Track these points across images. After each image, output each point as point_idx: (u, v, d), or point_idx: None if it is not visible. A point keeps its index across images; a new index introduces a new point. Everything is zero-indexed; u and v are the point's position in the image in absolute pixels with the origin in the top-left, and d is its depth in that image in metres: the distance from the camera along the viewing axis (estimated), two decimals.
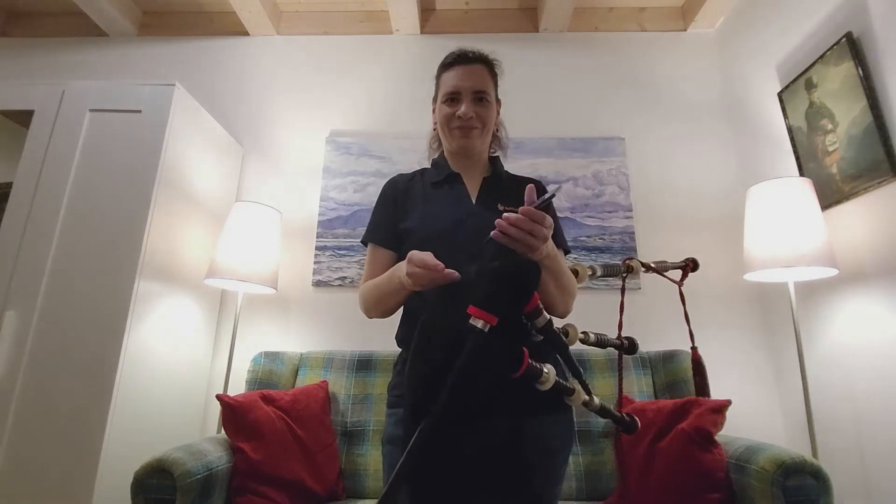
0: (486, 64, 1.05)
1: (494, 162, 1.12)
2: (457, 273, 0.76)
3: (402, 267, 0.83)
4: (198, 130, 1.97)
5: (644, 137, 2.34)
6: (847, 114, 1.61)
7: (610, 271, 0.87)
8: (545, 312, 0.69)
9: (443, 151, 1.11)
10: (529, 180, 1.08)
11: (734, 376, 2.00)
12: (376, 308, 0.99)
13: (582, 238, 2.19)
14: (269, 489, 1.42)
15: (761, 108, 2.09)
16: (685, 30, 2.50)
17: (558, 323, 0.76)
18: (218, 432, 1.79)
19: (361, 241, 1.09)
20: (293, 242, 2.23)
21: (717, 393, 1.79)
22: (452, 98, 1.02)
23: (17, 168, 1.72)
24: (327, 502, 1.55)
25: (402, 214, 1.03)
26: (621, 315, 0.86)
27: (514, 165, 2.28)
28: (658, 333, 2.03)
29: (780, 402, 1.97)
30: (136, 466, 1.28)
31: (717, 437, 1.36)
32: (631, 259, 0.89)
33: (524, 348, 0.67)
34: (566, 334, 0.76)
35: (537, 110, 2.40)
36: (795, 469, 1.17)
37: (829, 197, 1.67)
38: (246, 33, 2.58)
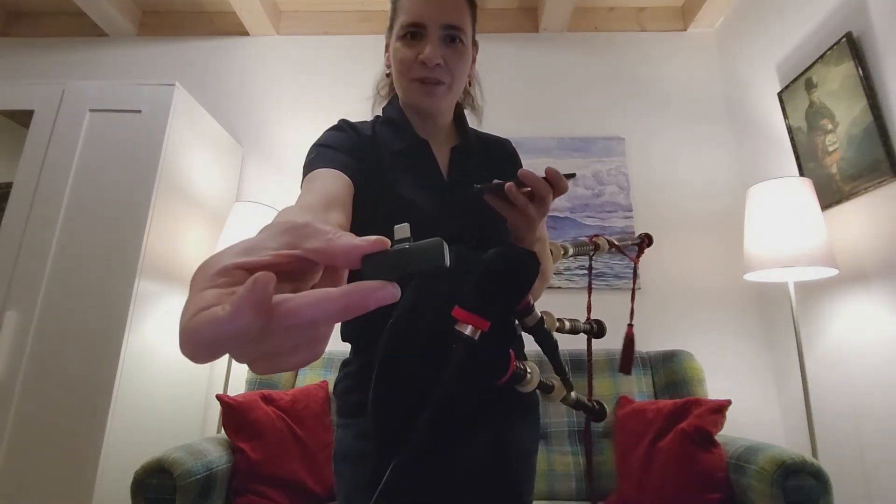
0: None
1: (460, 122, 0.86)
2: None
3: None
4: (198, 130, 1.97)
5: (644, 137, 2.34)
6: (847, 114, 1.61)
7: (580, 250, 0.84)
8: (536, 311, 0.61)
9: (395, 98, 0.83)
10: (498, 140, 0.90)
11: (734, 376, 2.01)
12: None
13: (582, 238, 2.19)
14: (269, 489, 1.42)
15: (761, 108, 2.09)
16: (685, 30, 2.50)
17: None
18: (218, 432, 1.79)
19: (305, 168, 0.70)
20: None
21: (717, 393, 1.79)
22: (413, 33, 0.73)
23: (17, 168, 1.72)
24: (327, 502, 1.55)
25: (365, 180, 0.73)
26: (590, 295, 0.84)
27: None
28: (658, 333, 2.03)
29: (780, 402, 1.97)
30: (136, 466, 1.28)
31: (717, 437, 1.36)
32: (597, 236, 0.87)
33: (510, 350, 0.57)
34: (550, 389, 0.68)
35: (537, 110, 2.40)
36: (795, 469, 1.17)
37: (829, 197, 1.67)
38: (246, 33, 2.58)
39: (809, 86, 1.77)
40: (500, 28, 2.54)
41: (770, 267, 1.57)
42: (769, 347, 2.04)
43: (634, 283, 0.89)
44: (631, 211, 2.21)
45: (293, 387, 1.81)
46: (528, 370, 0.60)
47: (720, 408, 1.38)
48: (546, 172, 0.58)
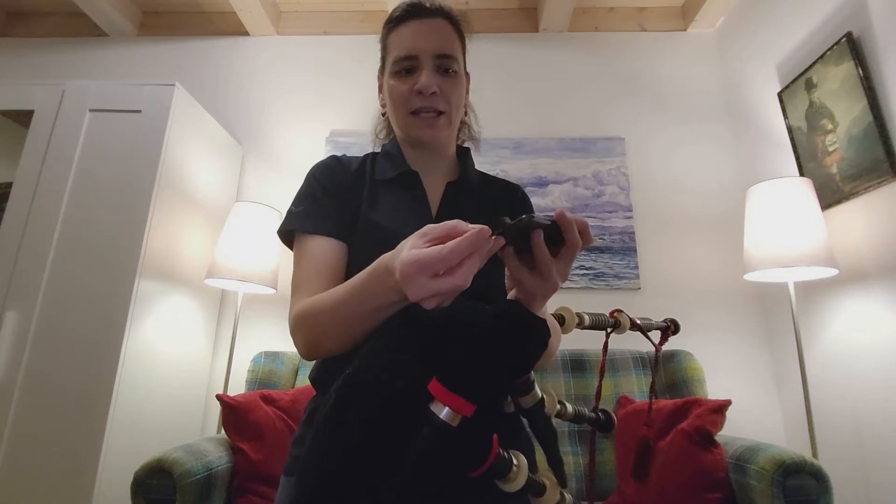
0: (451, 20, 0.78)
1: (463, 158, 0.84)
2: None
3: (394, 258, 0.47)
4: (198, 130, 1.97)
5: (644, 137, 2.34)
6: (847, 114, 1.61)
7: (597, 322, 0.69)
8: (536, 388, 0.47)
9: (395, 137, 0.83)
10: (507, 184, 0.86)
11: (734, 376, 2.00)
12: (346, 332, 0.57)
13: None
14: (269, 489, 1.42)
15: (761, 107, 2.09)
16: (685, 30, 2.50)
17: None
18: (218, 432, 1.79)
19: (279, 231, 0.75)
20: None
21: (717, 393, 1.79)
22: (407, 68, 0.73)
23: (17, 168, 1.72)
24: None
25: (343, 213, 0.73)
26: (600, 385, 0.68)
27: (514, 166, 2.28)
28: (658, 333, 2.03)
29: (780, 402, 1.97)
30: (136, 466, 1.27)
31: (717, 437, 1.35)
32: (619, 312, 0.72)
33: (494, 435, 0.44)
34: (541, 403, 0.55)
35: (537, 110, 2.40)
36: (795, 469, 1.17)
37: (829, 197, 1.67)
38: (246, 33, 2.58)
39: (809, 86, 1.77)
40: (500, 28, 2.54)
41: (770, 267, 1.57)
42: (769, 347, 2.04)
43: (655, 372, 0.74)
44: (631, 211, 2.21)
45: (293, 387, 1.81)
46: (515, 462, 0.45)
47: (720, 408, 1.38)
48: (575, 223, 0.46)
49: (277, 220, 2.01)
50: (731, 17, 2.35)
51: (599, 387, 0.66)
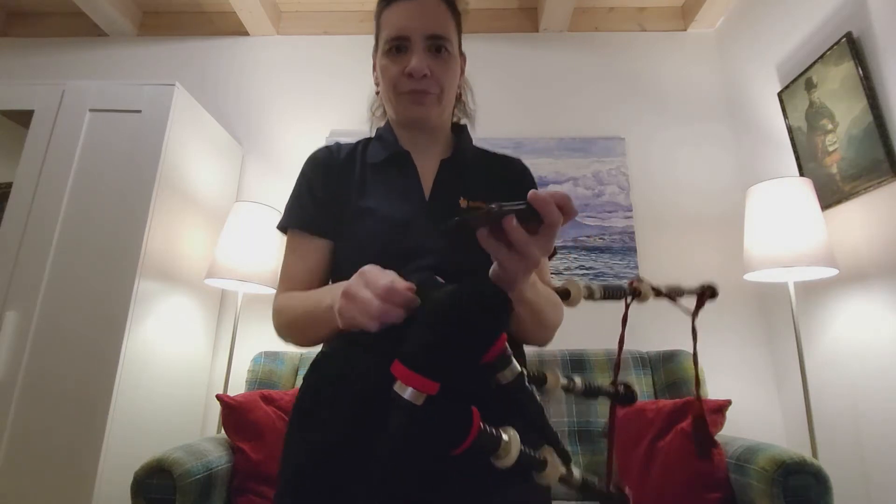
0: None
1: (459, 134, 0.84)
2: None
3: (340, 289, 0.53)
4: (198, 130, 1.97)
5: (644, 137, 2.33)
6: (847, 114, 1.61)
7: (611, 293, 0.63)
8: (514, 361, 0.45)
9: (389, 119, 0.83)
10: (505, 158, 0.84)
11: (734, 376, 2.00)
12: (300, 334, 0.69)
13: (582, 238, 2.19)
14: (269, 489, 1.42)
15: (761, 107, 2.09)
16: (685, 30, 2.50)
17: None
18: (218, 432, 1.79)
19: (278, 228, 0.80)
20: None
21: (717, 393, 1.79)
22: (398, 47, 0.72)
23: (17, 168, 1.72)
24: None
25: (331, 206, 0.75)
26: (619, 353, 0.61)
27: None
28: (658, 333, 2.03)
29: (780, 402, 1.97)
30: (136, 466, 1.27)
31: (717, 437, 1.35)
32: (639, 281, 0.64)
33: (472, 407, 0.42)
34: (542, 381, 0.53)
35: (537, 110, 2.40)
36: (795, 469, 1.17)
37: (829, 197, 1.67)
38: (246, 33, 2.58)
39: (809, 86, 1.77)
40: (500, 28, 2.54)
41: (770, 267, 1.57)
42: (769, 347, 2.04)
43: (695, 345, 0.64)
44: (631, 211, 2.21)
45: (293, 387, 1.81)
46: (505, 437, 0.43)
47: (720, 408, 1.38)
48: (553, 197, 0.46)
49: (277, 220, 2.01)
50: (731, 17, 2.35)
51: (619, 356, 0.60)
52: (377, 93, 0.84)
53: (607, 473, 0.55)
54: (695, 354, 0.62)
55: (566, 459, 0.48)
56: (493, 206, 0.44)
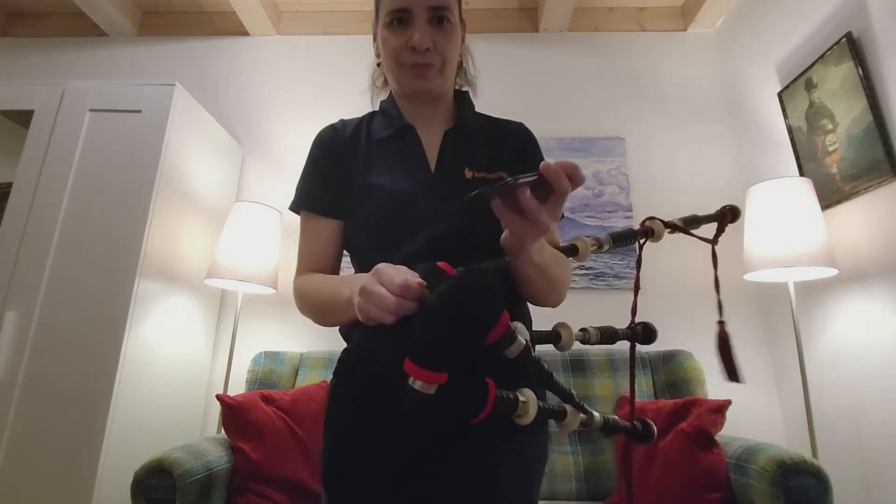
0: None
1: (461, 102, 0.83)
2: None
3: (359, 281, 0.54)
4: (198, 130, 1.97)
5: (644, 137, 2.33)
6: (847, 114, 1.61)
7: (622, 240, 0.60)
8: (518, 337, 0.46)
9: (392, 91, 0.83)
10: (509, 124, 0.84)
11: None
12: (321, 318, 0.73)
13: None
14: (269, 489, 1.42)
15: (761, 108, 2.09)
16: (685, 30, 2.50)
17: (548, 323, 0.57)
18: (218, 432, 1.79)
19: (290, 209, 0.82)
20: (293, 242, 2.22)
21: (717, 393, 1.79)
22: (400, 18, 0.72)
23: (17, 168, 1.72)
24: None
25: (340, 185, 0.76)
26: (636, 295, 0.60)
27: None
28: (658, 333, 2.03)
29: (780, 402, 1.97)
30: (136, 466, 1.28)
31: (717, 437, 1.36)
32: (652, 220, 0.61)
33: (488, 379, 0.45)
34: (557, 338, 0.55)
35: (537, 110, 2.40)
36: (795, 469, 1.17)
37: (829, 197, 1.67)
38: (246, 33, 2.58)
39: (809, 86, 1.77)
40: (500, 28, 2.54)
41: (770, 267, 1.57)
42: (769, 347, 2.04)
43: (716, 269, 0.63)
44: (631, 211, 2.21)
45: (293, 387, 1.81)
46: (522, 398, 0.47)
47: (720, 408, 1.38)
48: (562, 167, 0.49)
49: (277, 220, 2.01)
50: (731, 17, 2.35)
51: (635, 303, 0.60)
52: (378, 64, 0.84)
53: (630, 411, 0.58)
54: (716, 279, 0.63)
55: (583, 409, 0.52)
56: (509, 179, 0.47)
